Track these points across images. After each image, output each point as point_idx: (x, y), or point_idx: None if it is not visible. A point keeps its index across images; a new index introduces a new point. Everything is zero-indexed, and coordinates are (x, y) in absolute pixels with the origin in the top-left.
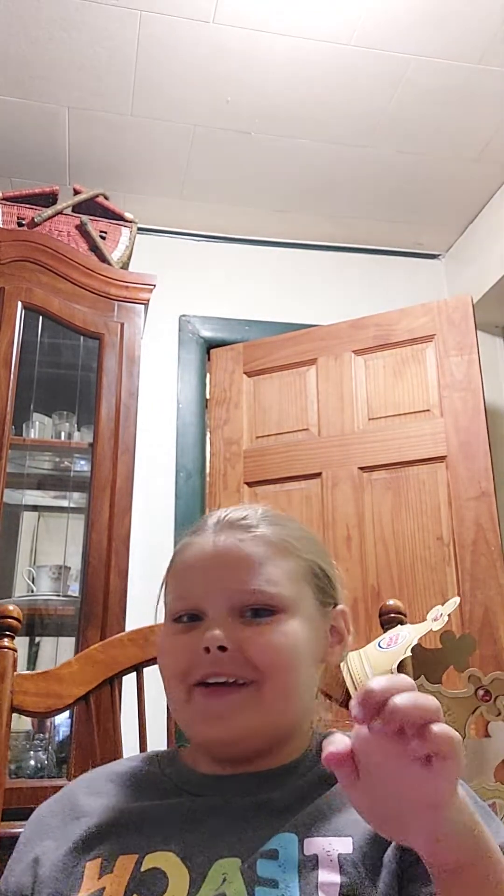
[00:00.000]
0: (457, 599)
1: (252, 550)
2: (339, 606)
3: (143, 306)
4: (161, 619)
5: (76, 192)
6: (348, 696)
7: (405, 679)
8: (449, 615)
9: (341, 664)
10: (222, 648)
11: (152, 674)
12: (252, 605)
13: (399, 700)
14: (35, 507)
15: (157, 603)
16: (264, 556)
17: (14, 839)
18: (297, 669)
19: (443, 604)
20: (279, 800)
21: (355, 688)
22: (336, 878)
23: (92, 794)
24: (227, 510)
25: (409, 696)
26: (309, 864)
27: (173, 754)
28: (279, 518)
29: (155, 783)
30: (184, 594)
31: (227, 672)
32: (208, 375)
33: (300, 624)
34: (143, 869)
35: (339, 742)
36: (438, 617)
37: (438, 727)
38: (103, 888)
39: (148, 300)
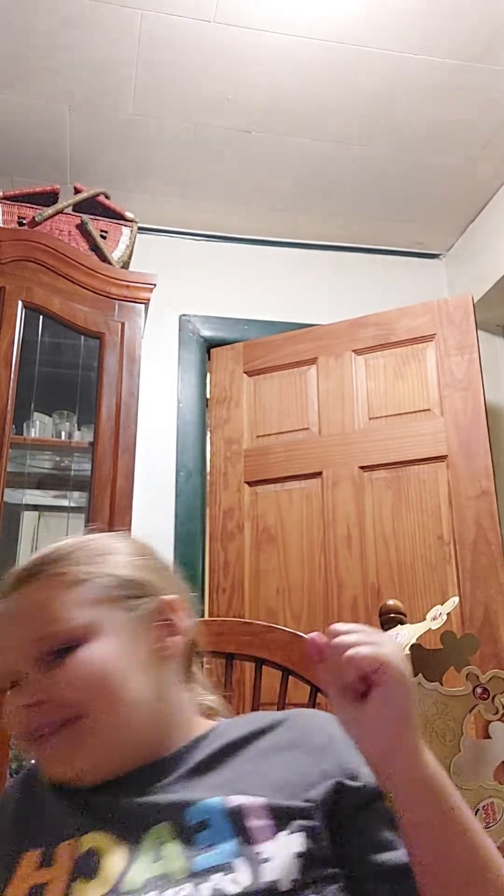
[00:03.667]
0: (456, 599)
1: (34, 599)
2: (159, 598)
3: (143, 306)
4: None
5: (77, 191)
6: None
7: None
8: (448, 614)
9: None
10: (38, 703)
11: None
12: (53, 647)
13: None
14: (35, 507)
15: None
16: (47, 599)
17: None
18: (116, 686)
19: (442, 603)
20: (188, 772)
21: None
22: (266, 821)
23: (26, 789)
24: (21, 565)
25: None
26: (238, 819)
27: None
28: (64, 549)
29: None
30: None
31: (51, 721)
32: (208, 375)
33: (105, 643)
34: (81, 852)
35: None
36: (437, 616)
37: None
38: (46, 882)
39: (148, 300)
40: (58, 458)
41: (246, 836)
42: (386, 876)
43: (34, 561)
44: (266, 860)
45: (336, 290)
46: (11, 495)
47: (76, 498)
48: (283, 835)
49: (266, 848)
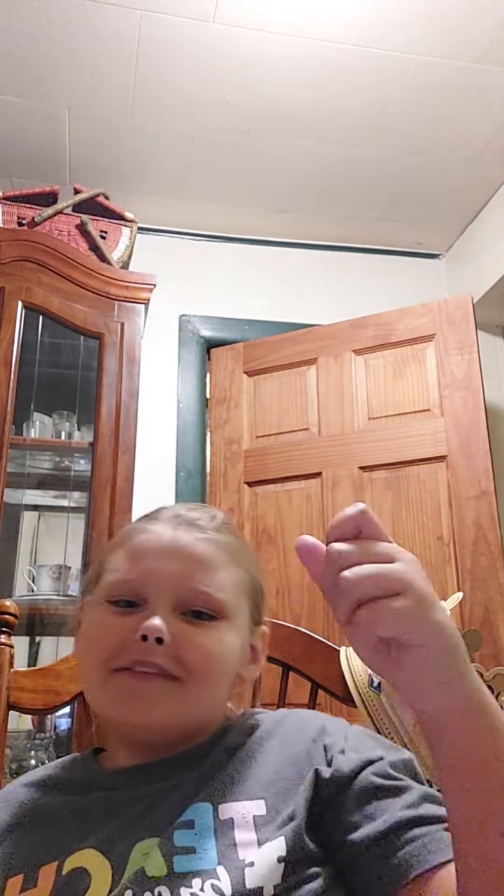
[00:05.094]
0: (459, 594)
1: (208, 552)
2: (263, 627)
3: (143, 306)
4: None
5: (76, 192)
6: (348, 691)
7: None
8: (451, 611)
9: (341, 659)
10: (160, 640)
11: None
12: (198, 605)
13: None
14: (35, 507)
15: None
16: (218, 561)
17: None
18: (222, 677)
19: (445, 600)
20: (191, 777)
21: (354, 682)
22: (252, 835)
23: (5, 810)
24: (185, 506)
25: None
26: (225, 827)
27: (88, 757)
28: (234, 528)
29: (67, 787)
30: (130, 577)
31: (157, 664)
32: (208, 375)
33: (235, 634)
34: (64, 872)
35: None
36: None
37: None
38: None
39: (148, 300)
40: (58, 459)
41: (230, 843)
42: (364, 849)
43: (204, 515)
44: (248, 866)
45: (336, 290)
46: (11, 495)
47: (76, 498)
48: (267, 841)
49: (249, 855)
